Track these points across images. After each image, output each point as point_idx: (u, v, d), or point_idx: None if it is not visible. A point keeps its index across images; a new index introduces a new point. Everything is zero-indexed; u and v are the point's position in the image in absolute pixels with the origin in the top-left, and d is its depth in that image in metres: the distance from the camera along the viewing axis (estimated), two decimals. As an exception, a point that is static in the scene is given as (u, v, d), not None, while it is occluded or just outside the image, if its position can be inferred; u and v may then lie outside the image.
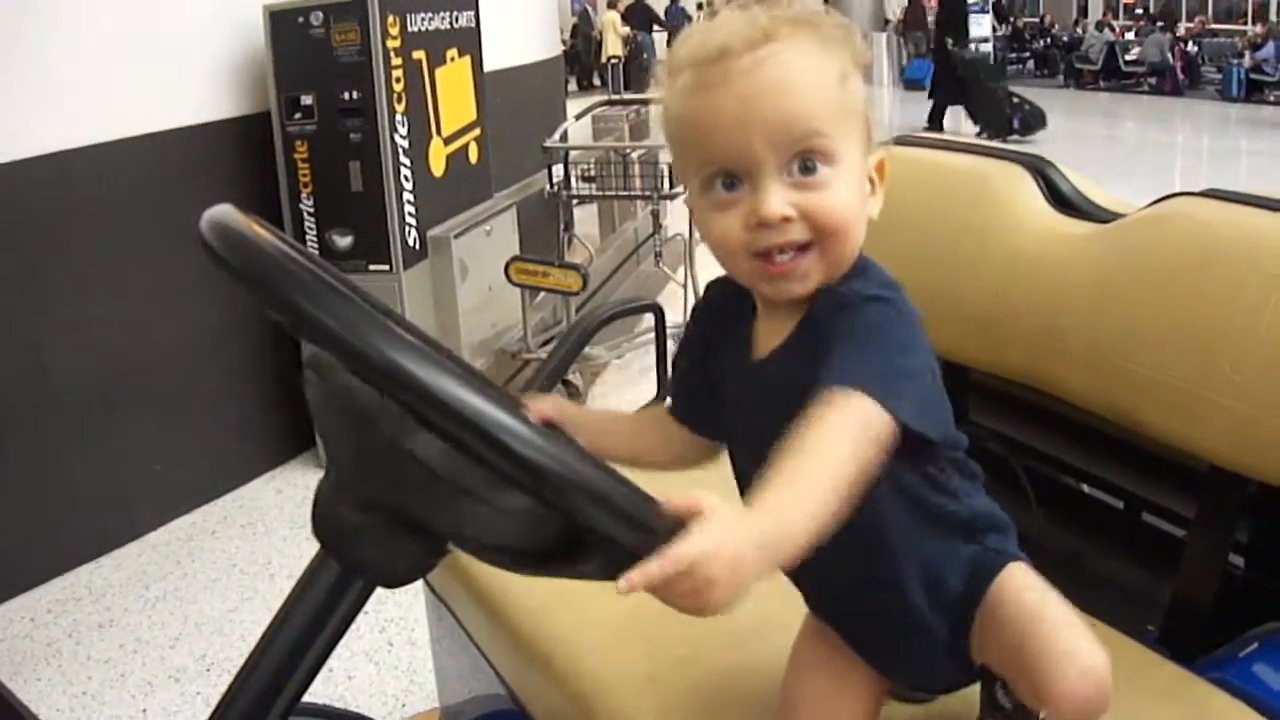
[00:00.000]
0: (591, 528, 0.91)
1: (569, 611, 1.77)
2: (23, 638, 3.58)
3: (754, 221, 1.16)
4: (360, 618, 2.63)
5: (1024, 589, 1.27)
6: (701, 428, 1.40)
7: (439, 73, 4.80)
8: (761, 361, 1.26)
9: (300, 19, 4.36)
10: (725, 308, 1.33)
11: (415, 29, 4.58)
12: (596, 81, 21.68)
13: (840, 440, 1.04)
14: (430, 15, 4.71)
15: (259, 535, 4.19)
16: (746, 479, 1.26)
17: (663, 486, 0.97)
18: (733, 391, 1.32)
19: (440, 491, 0.93)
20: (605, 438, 1.39)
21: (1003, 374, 1.97)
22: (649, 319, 2.70)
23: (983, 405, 2.14)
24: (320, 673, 2.69)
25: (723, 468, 1.36)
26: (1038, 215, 1.97)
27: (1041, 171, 2.02)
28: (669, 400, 1.44)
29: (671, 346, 4.76)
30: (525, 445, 0.86)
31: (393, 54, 4.41)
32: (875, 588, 1.30)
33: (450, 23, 4.90)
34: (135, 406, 4.17)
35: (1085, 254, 1.85)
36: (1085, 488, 2.17)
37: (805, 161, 1.16)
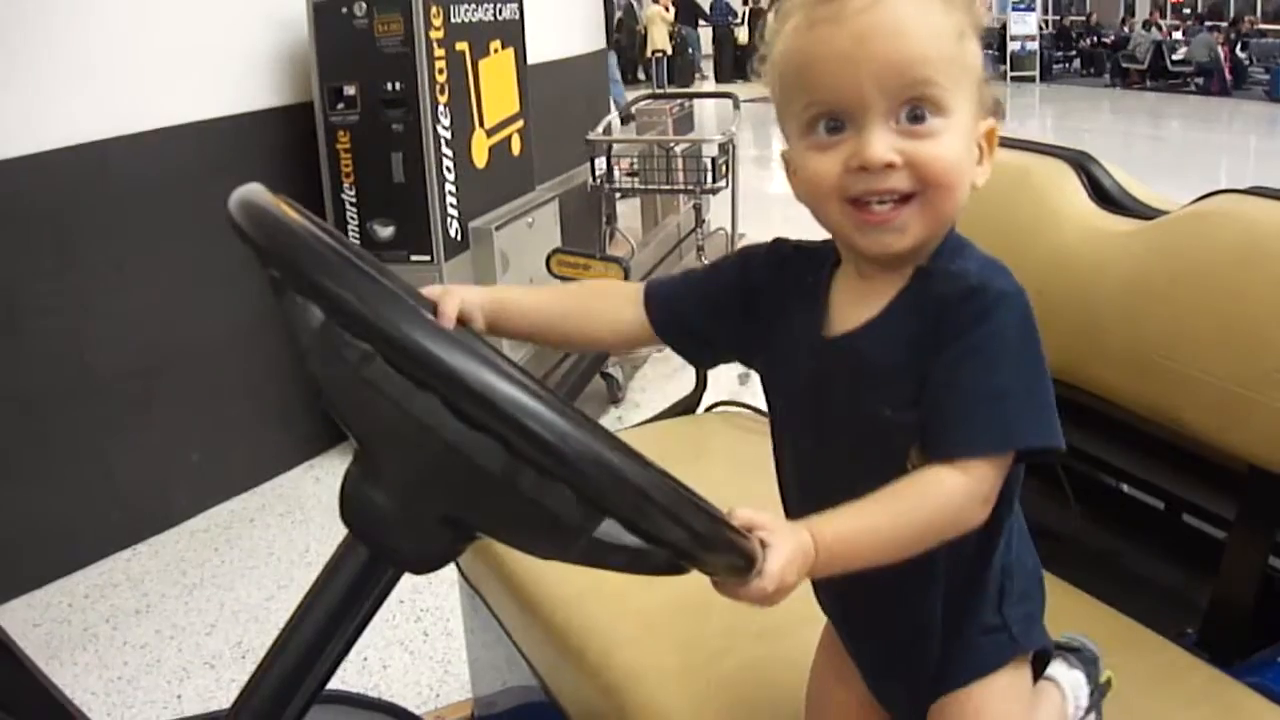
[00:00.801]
0: (664, 542, 0.92)
1: (602, 603, 1.77)
2: (60, 622, 3.60)
3: (855, 164, 1.09)
4: (396, 607, 2.65)
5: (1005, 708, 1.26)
6: (668, 335, 1.32)
7: (482, 64, 4.80)
8: (844, 336, 1.18)
9: (344, 9, 4.36)
10: (797, 268, 1.25)
11: (458, 20, 4.58)
12: (641, 76, 21.65)
13: (934, 510, 1.06)
14: (474, 7, 4.71)
15: (297, 524, 4.21)
16: (804, 459, 1.27)
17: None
18: (797, 363, 1.23)
19: (473, 478, 0.93)
20: (518, 308, 1.26)
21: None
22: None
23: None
24: (355, 661, 2.71)
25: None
26: (1080, 211, 1.95)
27: (1085, 167, 2.00)
28: (649, 284, 1.33)
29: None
30: (591, 463, 0.86)
31: (435, 45, 4.40)
32: (895, 599, 1.25)
33: (494, 14, 4.90)
34: (174, 395, 4.19)
35: (1127, 251, 1.83)
36: (1125, 487, 2.15)
37: (915, 109, 1.09)
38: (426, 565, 1.03)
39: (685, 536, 0.91)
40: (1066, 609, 1.65)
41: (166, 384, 4.17)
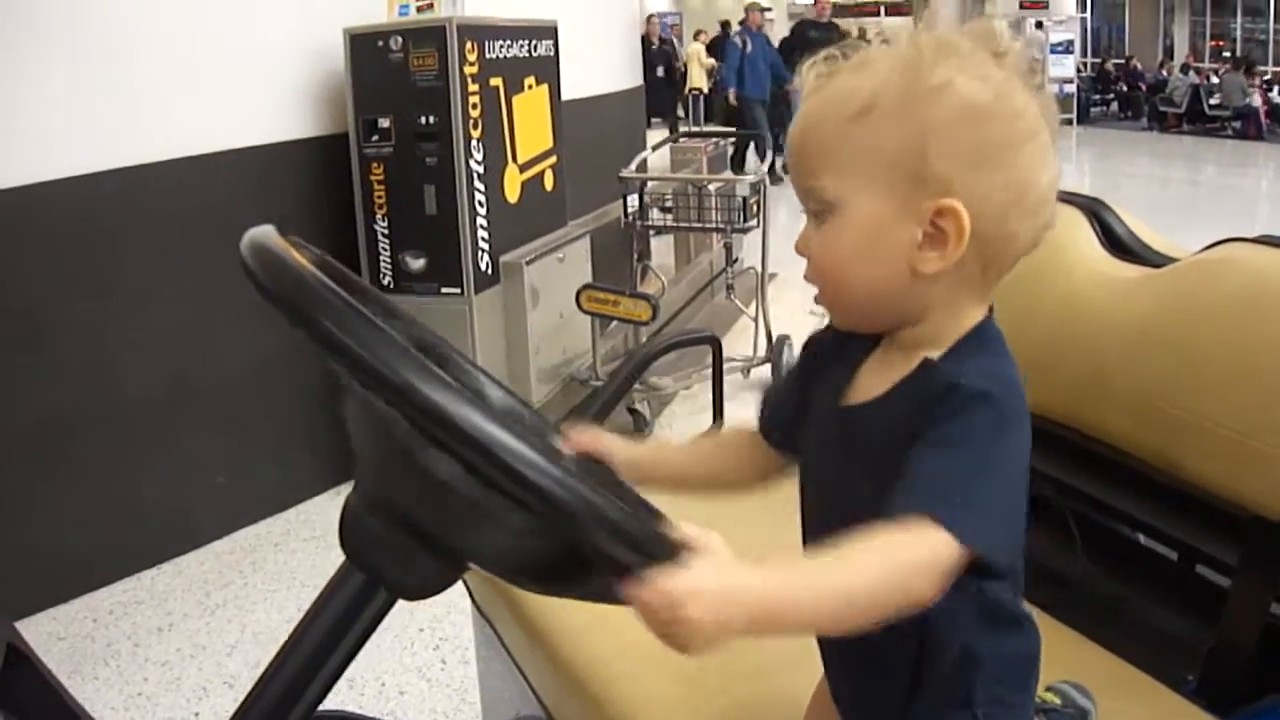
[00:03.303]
0: (592, 545, 0.91)
1: (607, 635, 1.78)
2: (84, 637, 3.65)
3: None
4: (415, 635, 2.66)
5: None
6: (788, 449, 1.36)
7: (516, 100, 4.84)
8: (850, 408, 1.20)
9: (380, 43, 4.42)
10: (832, 345, 1.28)
11: (493, 56, 4.62)
12: (680, 113, 21.69)
13: (886, 562, 1.00)
14: (509, 43, 4.75)
15: (321, 549, 4.23)
16: (812, 521, 1.28)
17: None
18: (814, 430, 1.27)
19: (453, 507, 0.95)
20: (667, 467, 1.38)
21: (1050, 416, 1.96)
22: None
23: (1033, 447, 2.13)
24: (373, 685, 2.73)
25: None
26: (1092, 258, 1.97)
27: (1097, 214, 2.01)
28: (760, 419, 1.38)
29: (729, 379, 4.78)
30: (521, 463, 0.86)
31: (470, 80, 4.45)
32: (884, 658, 1.22)
33: (529, 51, 4.94)
34: (201, 418, 4.24)
35: (1136, 298, 1.84)
36: (1131, 533, 2.15)
37: (809, 201, 1.15)
38: (419, 593, 1.06)
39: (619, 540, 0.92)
40: (1066, 654, 1.66)
41: (195, 407, 4.21)
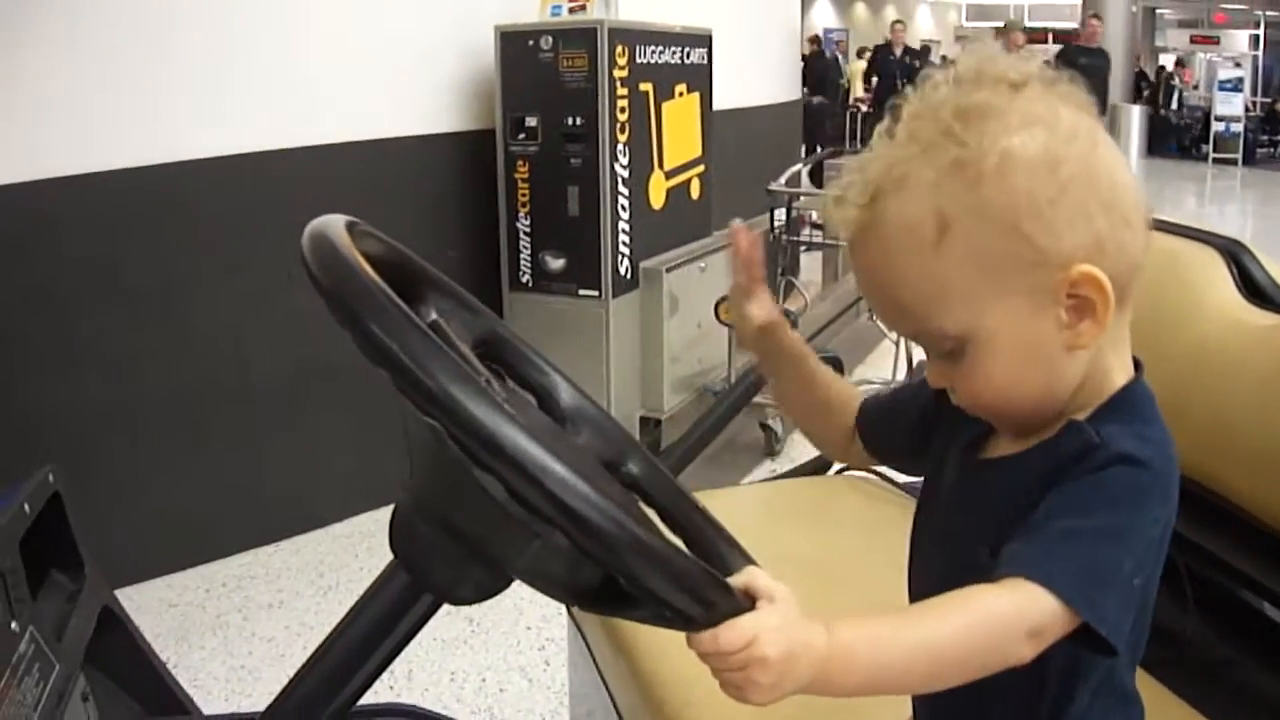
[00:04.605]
0: (645, 589, 0.89)
1: (687, 656, 1.73)
2: (195, 606, 3.72)
3: None
4: (523, 634, 2.65)
5: None
6: (868, 444, 1.37)
7: (665, 106, 4.83)
8: (987, 461, 1.14)
9: (530, 42, 4.44)
10: None
11: (644, 61, 4.62)
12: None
13: (974, 617, 0.96)
14: (660, 49, 4.75)
15: (437, 540, 4.24)
16: (917, 575, 1.24)
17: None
18: (944, 480, 1.21)
19: (497, 518, 0.92)
20: (792, 358, 1.39)
21: (1173, 466, 1.87)
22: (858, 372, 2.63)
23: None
24: (474, 680, 2.73)
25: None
26: (1225, 303, 1.85)
27: (1236, 256, 1.89)
28: (864, 401, 1.37)
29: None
30: (588, 506, 0.84)
31: (619, 84, 4.45)
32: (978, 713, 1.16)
33: (681, 58, 4.93)
34: (328, 402, 4.28)
35: (1268, 347, 1.73)
36: (1254, 598, 2.03)
37: (933, 345, 1.07)
38: (464, 599, 1.04)
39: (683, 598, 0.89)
40: (1164, 715, 1.58)
41: (323, 390, 4.26)
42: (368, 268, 0.91)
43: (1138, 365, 1.10)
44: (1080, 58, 12.05)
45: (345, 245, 0.93)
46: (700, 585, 0.90)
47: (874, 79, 16.34)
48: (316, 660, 1.07)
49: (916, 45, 19.08)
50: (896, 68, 13.72)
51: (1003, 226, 0.98)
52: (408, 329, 0.85)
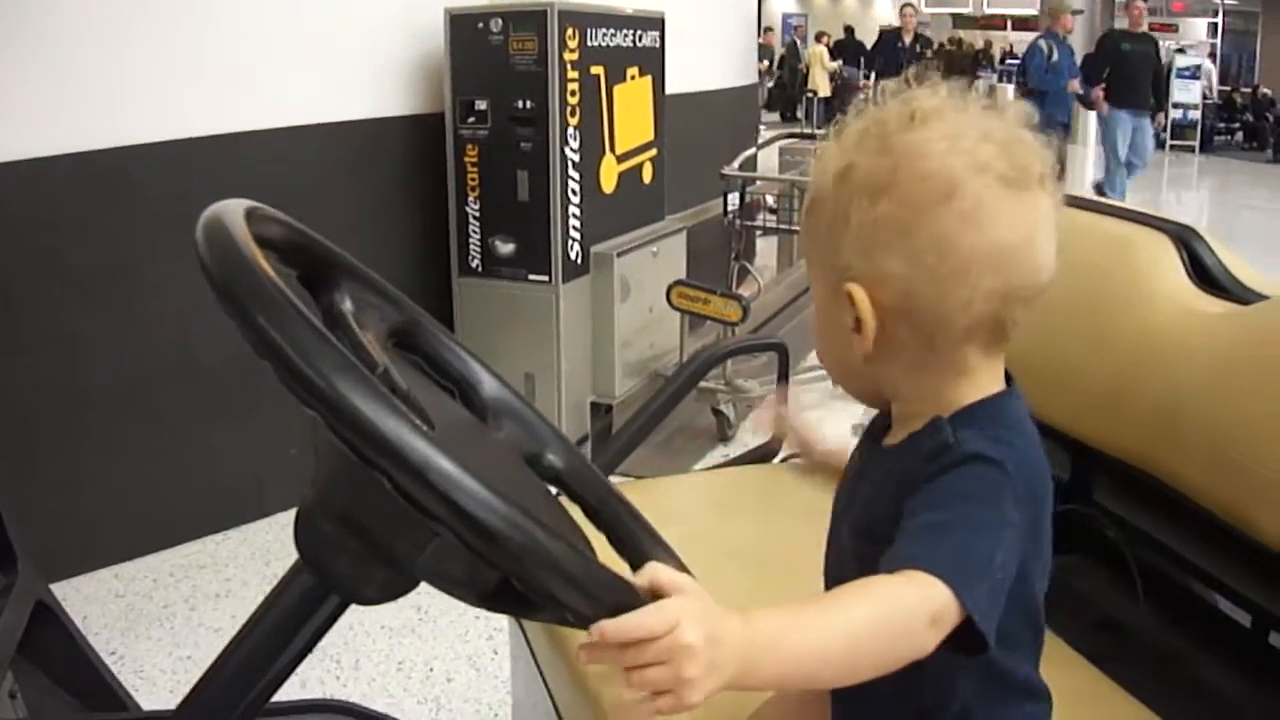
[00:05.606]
0: (541, 591, 0.86)
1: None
2: (142, 596, 3.67)
3: None
4: (470, 623, 2.64)
5: None
6: None
7: (617, 90, 4.80)
8: (880, 449, 1.21)
9: (480, 24, 4.40)
10: None
11: (595, 44, 4.59)
12: (801, 114, 21.61)
13: (881, 604, 0.97)
14: (612, 32, 4.72)
15: (387, 533, 4.21)
16: (830, 557, 1.26)
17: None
18: (853, 465, 1.27)
19: (396, 516, 0.90)
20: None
21: (1120, 456, 1.86)
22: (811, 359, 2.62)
23: (1099, 484, 2.03)
24: (421, 669, 2.71)
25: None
26: (1176, 290, 1.84)
27: (1187, 243, 1.88)
28: None
29: (817, 387, 4.69)
30: (474, 502, 0.82)
31: (569, 66, 4.42)
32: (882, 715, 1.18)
33: (633, 41, 4.90)
34: (278, 390, 4.20)
35: (1219, 335, 1.72)
36: (1204, 589, 2.02)
37: None
38: (369, 598, 1.02)
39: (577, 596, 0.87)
40: (1109, 712, 1.57)
41: (271, 379, 4.19)
42: (255, 253, 0.87)
43: (1009, 379, 1.16)
44: (1124, 43, 11.40)
45: (235, 230, 0.89)
46: (596, 584, 0.87)
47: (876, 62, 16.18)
48: (223, 660, 1.05)
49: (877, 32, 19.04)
50: (904, 55, 13.41)
51: (830, 223, 1.12)
52: (288, 317, 0.82)
